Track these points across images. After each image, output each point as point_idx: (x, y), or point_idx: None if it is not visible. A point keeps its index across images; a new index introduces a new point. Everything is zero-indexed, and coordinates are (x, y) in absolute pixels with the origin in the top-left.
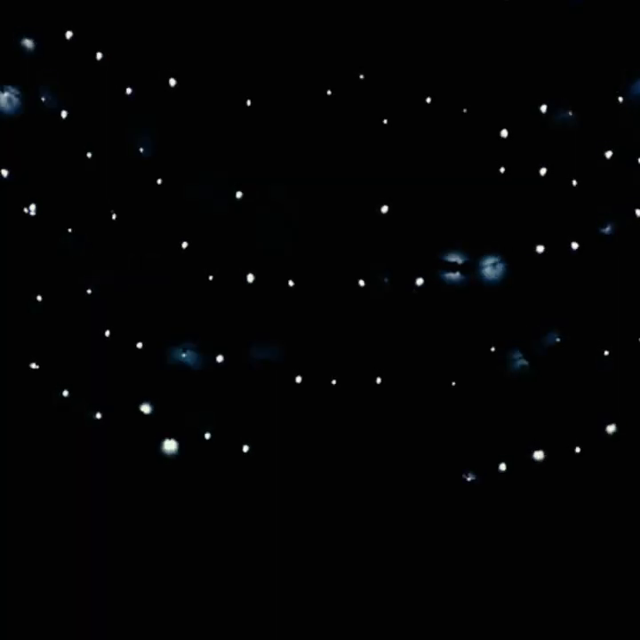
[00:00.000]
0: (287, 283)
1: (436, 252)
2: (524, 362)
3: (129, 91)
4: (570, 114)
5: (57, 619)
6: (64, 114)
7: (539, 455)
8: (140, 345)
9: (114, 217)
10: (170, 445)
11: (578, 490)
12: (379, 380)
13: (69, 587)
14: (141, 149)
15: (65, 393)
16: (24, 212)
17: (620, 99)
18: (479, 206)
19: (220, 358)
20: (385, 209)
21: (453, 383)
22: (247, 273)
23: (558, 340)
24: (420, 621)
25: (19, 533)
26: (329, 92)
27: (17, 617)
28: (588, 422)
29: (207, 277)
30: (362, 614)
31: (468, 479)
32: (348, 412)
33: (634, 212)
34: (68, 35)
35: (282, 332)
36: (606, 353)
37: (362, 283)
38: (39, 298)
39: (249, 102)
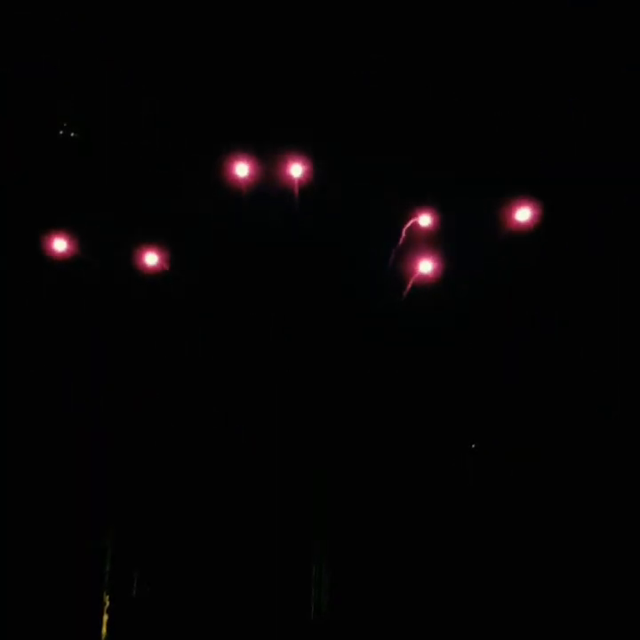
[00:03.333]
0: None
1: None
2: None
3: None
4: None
5: (57, 612)
6: None
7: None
8: None
9: None
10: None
11: (576, 480)
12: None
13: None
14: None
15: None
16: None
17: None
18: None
19: None
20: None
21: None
22: None
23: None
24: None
25: (19, 530)
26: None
27: (17, 613)
28: (586, 414)
29: None
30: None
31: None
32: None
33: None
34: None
35: None
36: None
37: None
38: None
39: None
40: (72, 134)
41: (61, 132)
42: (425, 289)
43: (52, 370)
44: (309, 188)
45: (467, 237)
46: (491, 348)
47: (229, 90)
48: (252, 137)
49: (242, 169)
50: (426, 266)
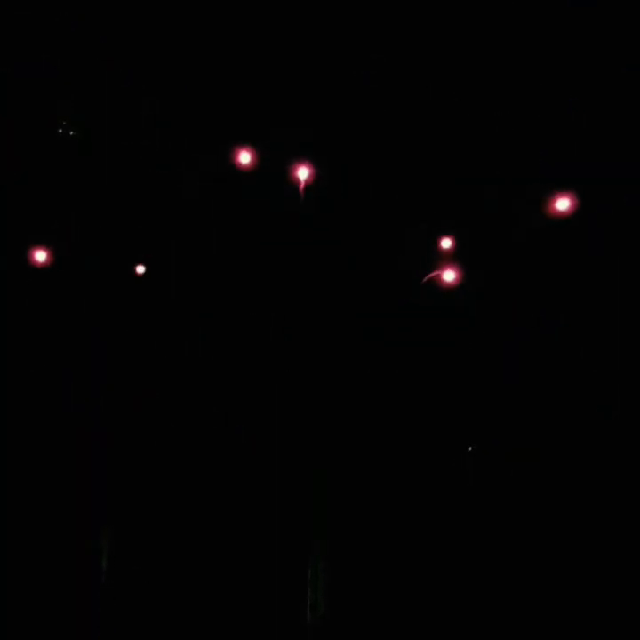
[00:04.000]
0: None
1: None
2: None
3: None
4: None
5: (56, 613)
6: None
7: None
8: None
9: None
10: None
11: (576, 478)
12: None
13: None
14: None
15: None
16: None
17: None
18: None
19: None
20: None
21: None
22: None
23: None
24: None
25: (19, 532)
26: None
27: (17, 614)
28: (586, 412)
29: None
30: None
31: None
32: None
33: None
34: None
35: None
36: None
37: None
38: None
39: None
40: (71, 134)
41: (60, 131)
42: (424, 289)
43: (52, 370)
44: (314, 188)
45: (467, 238)
46: (491, 349)
47: (229, 90)
48: (252, 137)
49: (245, 157)
50: (449, 275)
